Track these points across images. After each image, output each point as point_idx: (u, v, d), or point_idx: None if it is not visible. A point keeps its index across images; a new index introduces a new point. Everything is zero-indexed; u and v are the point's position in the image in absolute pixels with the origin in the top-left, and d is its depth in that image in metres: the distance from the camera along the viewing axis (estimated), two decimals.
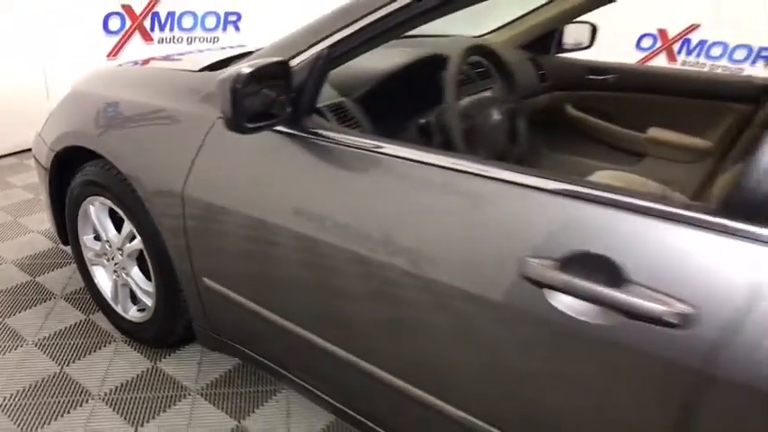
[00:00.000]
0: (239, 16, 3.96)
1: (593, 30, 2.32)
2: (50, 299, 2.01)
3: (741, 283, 0.72)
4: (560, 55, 2.29)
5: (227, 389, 1.65)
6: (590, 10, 2.09)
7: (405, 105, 1.36)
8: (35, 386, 1.62)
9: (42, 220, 2.52)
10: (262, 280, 1.28)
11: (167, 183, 1.37)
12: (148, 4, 3.52)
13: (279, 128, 1.17)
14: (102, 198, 1.65)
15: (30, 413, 1.52)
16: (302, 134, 1.16)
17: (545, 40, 2.23)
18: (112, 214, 1.70)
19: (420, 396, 1.06)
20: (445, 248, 0.96)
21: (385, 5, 1.06)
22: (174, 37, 3.75)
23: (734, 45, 4.09)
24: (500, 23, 2.27)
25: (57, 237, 1.99)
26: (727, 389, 0.72)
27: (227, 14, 3.92)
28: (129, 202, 1.53)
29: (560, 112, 2.21)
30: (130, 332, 1.81)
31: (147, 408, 1.56)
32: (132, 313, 1.77)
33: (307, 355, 1.27)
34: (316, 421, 1.55)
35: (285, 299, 1.25)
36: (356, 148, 1.12)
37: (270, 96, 1.07)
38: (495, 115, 1.37)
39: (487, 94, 1.61)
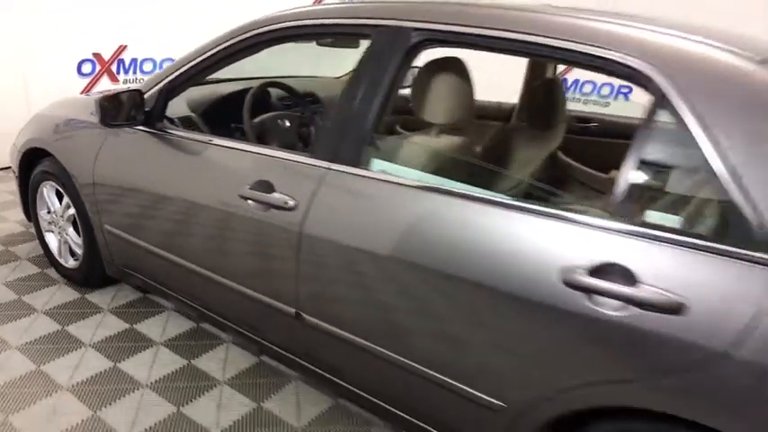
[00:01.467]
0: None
1: None
2: (17, 260, 2.83)
3: (310, 191, 1.55)
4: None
5: (132, 309, 2.46)
6: None
7: (230, 117, 2.23)
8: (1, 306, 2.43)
9: (19, 213, 3.35)
10: (137, 222, 2.11)
11: (85, 168, 2.22)
12: (115, 52, 4.46)
13: (142, 128, 2.03)
14: (51, 182, 2.50)
15: None
16: (155, 131, 2.02)
17: None
18: (58, 194, 2.54)
19: (217, 278, 1.88)
20: (217, 189, 1.80)
21: (190, 61, 1.93)
22: (136, 78, 4.67)
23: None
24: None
25: (27, 220, 2.83)
26: (309, 239, 1.55)
27: None
28: (67, 183, 2.37)
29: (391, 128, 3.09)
30: (69, 276, 2.62)
31: (73, 318, 2.36)
32: (70, 263, 2.60)
33: (173, 271, 2.06)
34: (183, 324, 2.36)
35: (152, 233, 2.08)
36: (192, 140, 1.96)
37: (130, 109, 1.93)
38: (286, 124, 2.24)
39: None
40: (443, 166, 1.56)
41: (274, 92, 2.67)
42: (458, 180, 1.43)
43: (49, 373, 2.03)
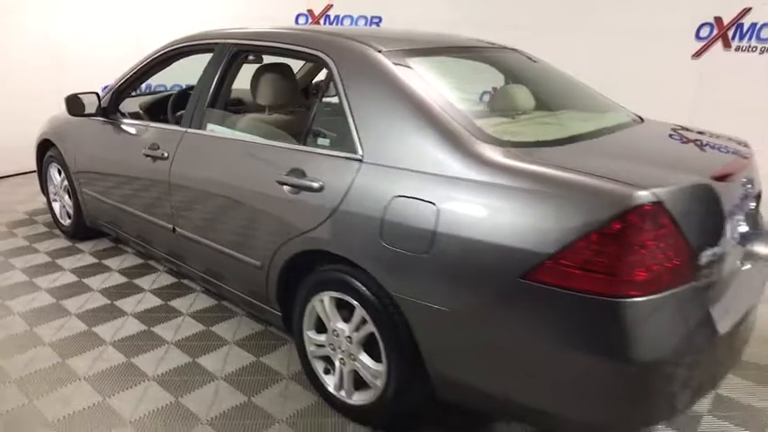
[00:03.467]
0: (190, 86, 6.01)
1: None
2: (36, 223, 3.92)
3: (175, 146, 2.47)
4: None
5: (104, 252, 3.45)
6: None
7: (163, 111, 3.21)
8: (7, 252, 3.48)
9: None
10: (98, 182, 3.11)
11: (70, 149, 3.26)
12: None
13: (100, 118, 3.03)
14: (54, 163, 3.56)
15: (7, 253, 3.38)
16: (110, 120, 3.01)
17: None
18: (59, 172, 3.59)
19: (149, 218, 2.82)
20: (134, 153, 2.75)
21: (129, 74, 2.93)
22: None
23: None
24: None
25: (44, 195, 3.92)
26: (174, 177, 2.46)
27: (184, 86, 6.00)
28: (61, 162, 3.42)
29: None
30: (66, 232, 3.67)
31: (62, 256, 3.38)
32: (67, 222, 3.64)
33: (118, 214, 3.04)
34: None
35: (106, 189, 3.06)
36: (137, 125, 2.95)
37: (91, 104, 2.94)
38: None
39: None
40: (246, 127, 2.43)
41: None
42: (251, 134, 2.31)
43: (36, 282, 3.03)
